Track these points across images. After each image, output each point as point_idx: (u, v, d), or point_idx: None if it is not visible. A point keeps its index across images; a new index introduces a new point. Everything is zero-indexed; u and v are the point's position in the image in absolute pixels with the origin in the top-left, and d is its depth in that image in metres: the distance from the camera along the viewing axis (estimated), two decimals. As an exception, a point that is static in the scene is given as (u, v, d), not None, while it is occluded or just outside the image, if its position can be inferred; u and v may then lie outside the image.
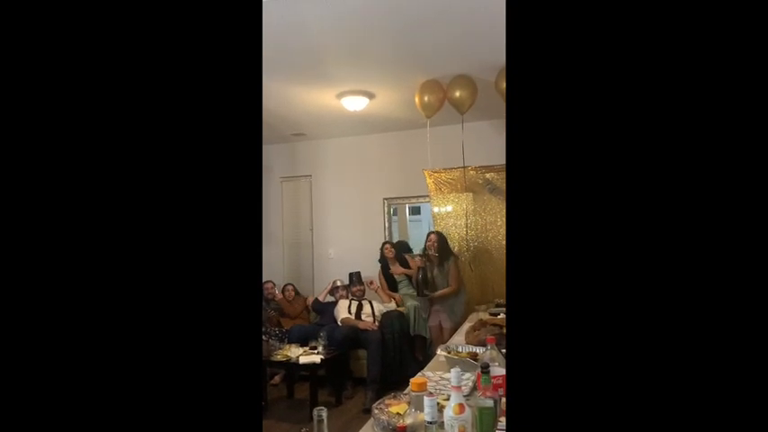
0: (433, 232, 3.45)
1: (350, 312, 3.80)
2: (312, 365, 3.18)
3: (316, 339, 3.40)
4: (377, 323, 3.68)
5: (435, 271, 3.35)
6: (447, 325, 3.26)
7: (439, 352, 1.91)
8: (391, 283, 3.95)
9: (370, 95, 3.35)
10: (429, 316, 3.42)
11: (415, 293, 3.55)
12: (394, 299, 3.92)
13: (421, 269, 3.39)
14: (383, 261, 3.95)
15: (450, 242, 3.70)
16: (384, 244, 3.97)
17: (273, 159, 4.87)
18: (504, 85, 2.95)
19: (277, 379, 3.68)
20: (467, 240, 3.67)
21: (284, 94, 3.28)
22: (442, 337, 3.20)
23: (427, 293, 3.36)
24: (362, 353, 3.62)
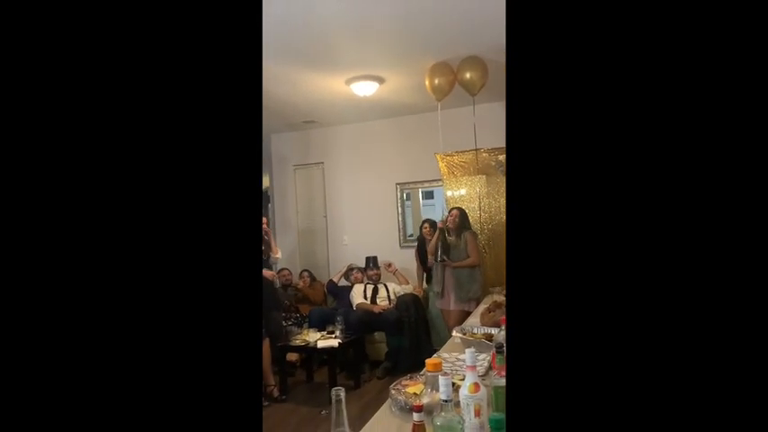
0: (455, 208, 3.37)
1: (365, 297, 3.84)
2: (330, 349, 3.24)
3: (333, 324, 3.45)
4: (392, 306, 3.71)
5: (454, 241, 3.24)
6: (457, 308, 3.15)
7: (454, 333, 1.93)
8: (426, 265, 3.76)
9: (380, 80, 3.32)
10: (443, 291, 3.28)
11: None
12: (409, 282, 3.93)
13: (441, 232, 3.26)
14: (421, 240, 3.82)
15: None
16: (423, 223, 3.82)
17: (286, 148, 4.89)
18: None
19: (294, 356, 3.74)
20: (480, 223, 3.65)
21: (293, 81, 3.28)
22: (451, 316, 3.14)
23: (445, 258, 3.22)
24: (379, 335, 3.68)
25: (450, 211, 3.37)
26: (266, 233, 3.56)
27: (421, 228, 3.82)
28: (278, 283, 3.81)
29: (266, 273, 3.49)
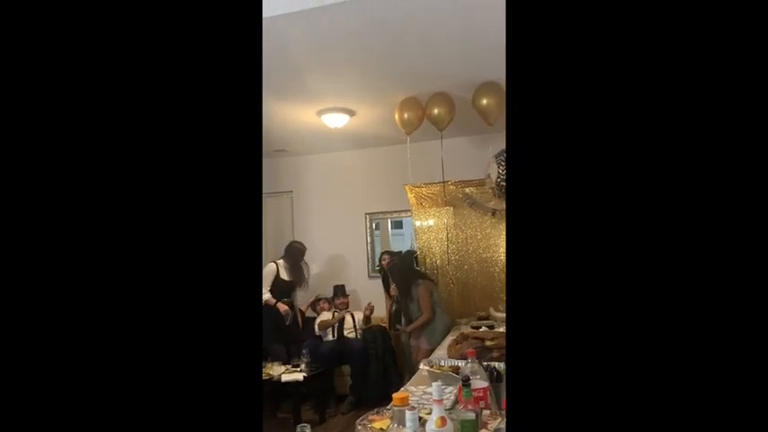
0: (385, 252, 3.40)
1: (331, 326, 3.79)
2: (295, 383, 3.15)
3: (298, 357, 3.37)
4: (359, 335, 3.67)
5: (406, 299, 3.20)
6: (426, 347, 3.12)
7: (421, 366, 1.93)
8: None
9: (351, 112, 3.39)
10: (410, 337, 3.32)
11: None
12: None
13: (395, 299, 3.32)
14: (383, 272, 3.74)
15: (431, 257, 3.71)
16: (383, 254, 3.78)
17: (254, 175, 4.85)
18: (482, 101, 3.01)
19: None
20: (448, 254, 3.71)
21: (265, 110, 3.29)
22: (420, 353, 3.08)
23: (399, 327, 3.26)
24: (347, 369, 3.61)
25: (381, 256, 3.38)
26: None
27: (380, 260, 3.81)
28: (288, 320, 3.66)
29: (281, 306, 3.49)
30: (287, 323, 3.62)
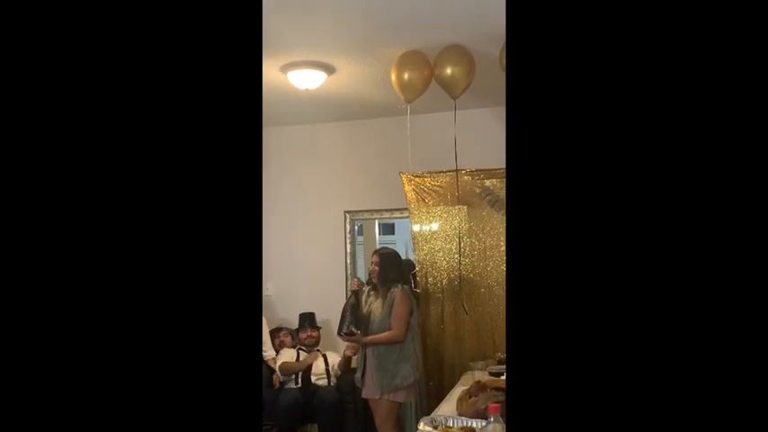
0: (378, 251, 3.32)
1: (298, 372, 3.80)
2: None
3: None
4: (332, 383, 3.71)
5: (376, 302, 3.17)
6: (382, 395, 3.00)
7: (422, 427, 1.93)
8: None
9: (329, 69, 3.40)
10: (363, 374, 3.15)
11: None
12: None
13: (353, 294, 3.24)
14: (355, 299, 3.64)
15: (436, 274, 3.73)
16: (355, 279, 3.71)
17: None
18: (512, 60, 3.00)
19: None
20: (459, 271, 3.70)
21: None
22: (378, 408, 3.03)
23: (354, 330, 3.07)
24: (314, 429, 3.64)
25: (372, 257, 3.31)
26: None
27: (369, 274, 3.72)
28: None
29: None
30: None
